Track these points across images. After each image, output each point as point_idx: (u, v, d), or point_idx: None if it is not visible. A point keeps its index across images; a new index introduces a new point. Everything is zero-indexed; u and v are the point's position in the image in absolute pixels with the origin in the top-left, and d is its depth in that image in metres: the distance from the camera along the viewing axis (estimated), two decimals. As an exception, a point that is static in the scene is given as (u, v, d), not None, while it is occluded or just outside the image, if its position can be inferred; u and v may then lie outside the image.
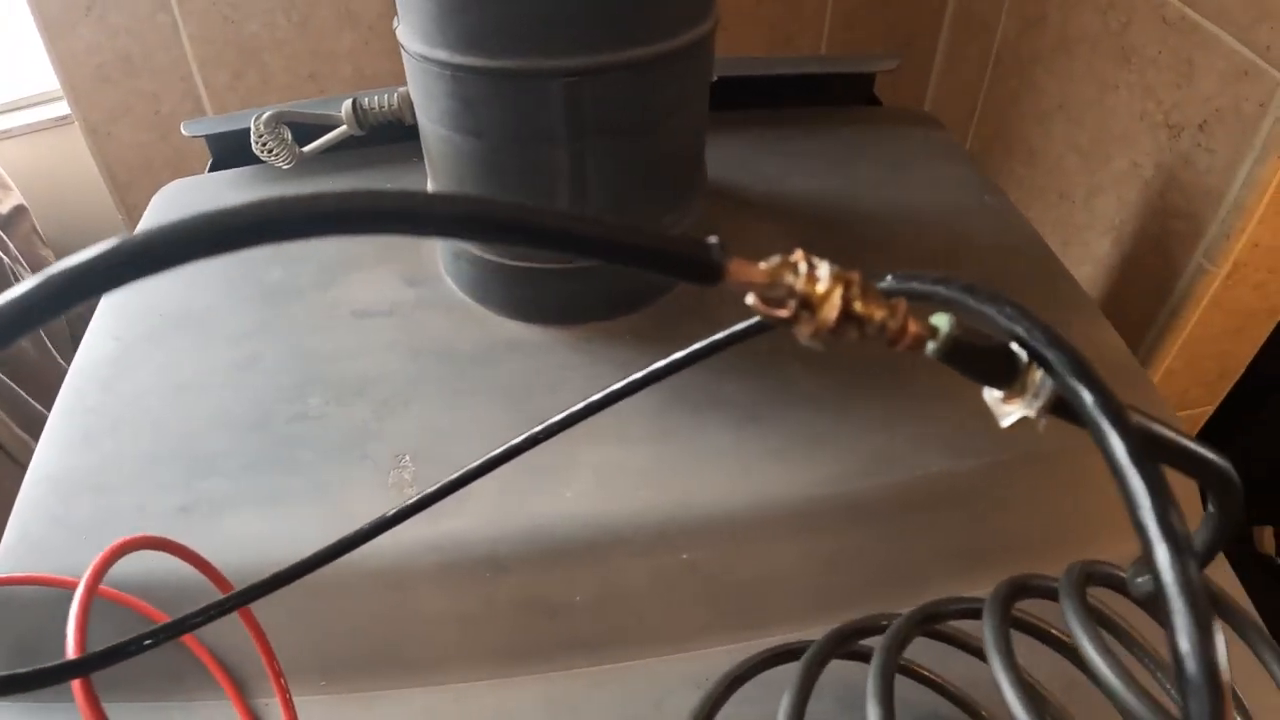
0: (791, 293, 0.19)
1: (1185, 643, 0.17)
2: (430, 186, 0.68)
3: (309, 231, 0.17)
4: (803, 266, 0.19)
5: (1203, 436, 1.00)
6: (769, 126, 0.89)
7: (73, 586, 0.44)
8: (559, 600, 0.55)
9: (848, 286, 0.19)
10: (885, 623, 0.43)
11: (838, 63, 0.99)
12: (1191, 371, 0.93)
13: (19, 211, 1.16)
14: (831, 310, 0.19)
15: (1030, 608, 0.40)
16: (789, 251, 0.19)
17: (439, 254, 0.72)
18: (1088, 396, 0.20)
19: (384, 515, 0.37)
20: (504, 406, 0.61)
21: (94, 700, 0.41)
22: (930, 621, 0.42)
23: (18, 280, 1.12)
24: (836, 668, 0.43)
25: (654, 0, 0.53)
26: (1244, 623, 0.38)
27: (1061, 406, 0.22)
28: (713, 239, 0.18)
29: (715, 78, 0.65)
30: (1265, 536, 1.01)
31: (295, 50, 1.07)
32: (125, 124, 1.10)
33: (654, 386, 0.62)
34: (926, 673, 0.48)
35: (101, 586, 0.52)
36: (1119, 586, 0.37)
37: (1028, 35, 1.07)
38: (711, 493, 0.56)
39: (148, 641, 0.39)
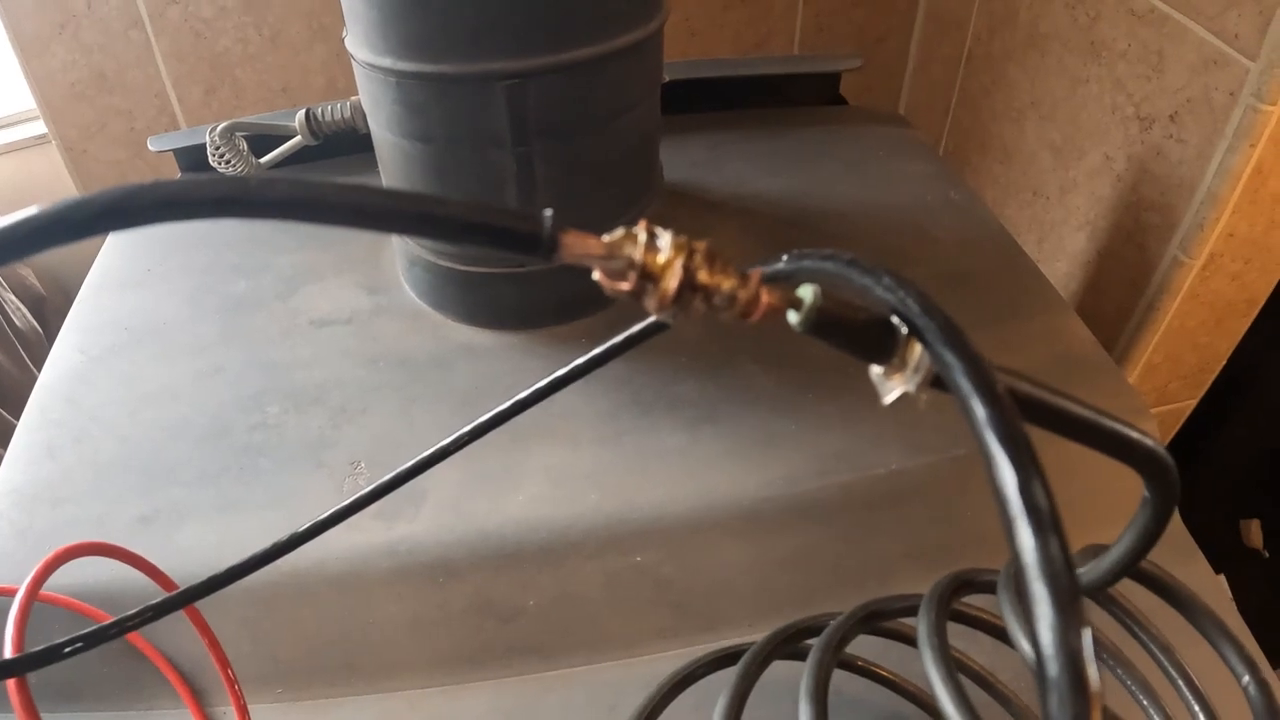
0: (631, 264, 0.18)
1: (1046, 634, 0.15)
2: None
3: (150, 218, 0.16)
4: (642, 236, 0.18)
5: (1186, 431, 0.99)
6: (733, 128, 0.89)
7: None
8: (512, 605, 0.54)
9: (690, 255, 0.18)
10: (829, 622, 0.42)
11: (801, 63, 0.99)
12: (1172, 365, 0.92)
13: (-3, 232, 1.15)
14: (673, 280, 0.18)
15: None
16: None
17: (397, 262, 0.72)
18: (955, 363, 0.19)
19: (317, 518, 0.37)
20: (457, 412, 0.61)
21: (28, 701, 0.41)
22: (874, 620, 0.41)
23: (0, 301, 1.12)
24: (786, 668, 0.43)
25: (594, 2, 0.53)
26: (1198, 613, 0.37)
27: (941, 381, 0.21)
28: (548, 210, 0.18)
29: (669, 79, 0.65)
30: (1253, 530, 1.00)
31: (267, 64, 1.07)
32: (101, 141, 1.10)
33: (607, 388, 0.61)
34: (885, 672, 0.47)
35: (58, 595, 0.52)
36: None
37: (998, 33, 1.07)
38: (662, 495, 0.55)
39: (80, 643, 0.38)
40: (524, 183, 0.58)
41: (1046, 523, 0.15)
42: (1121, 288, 0.90)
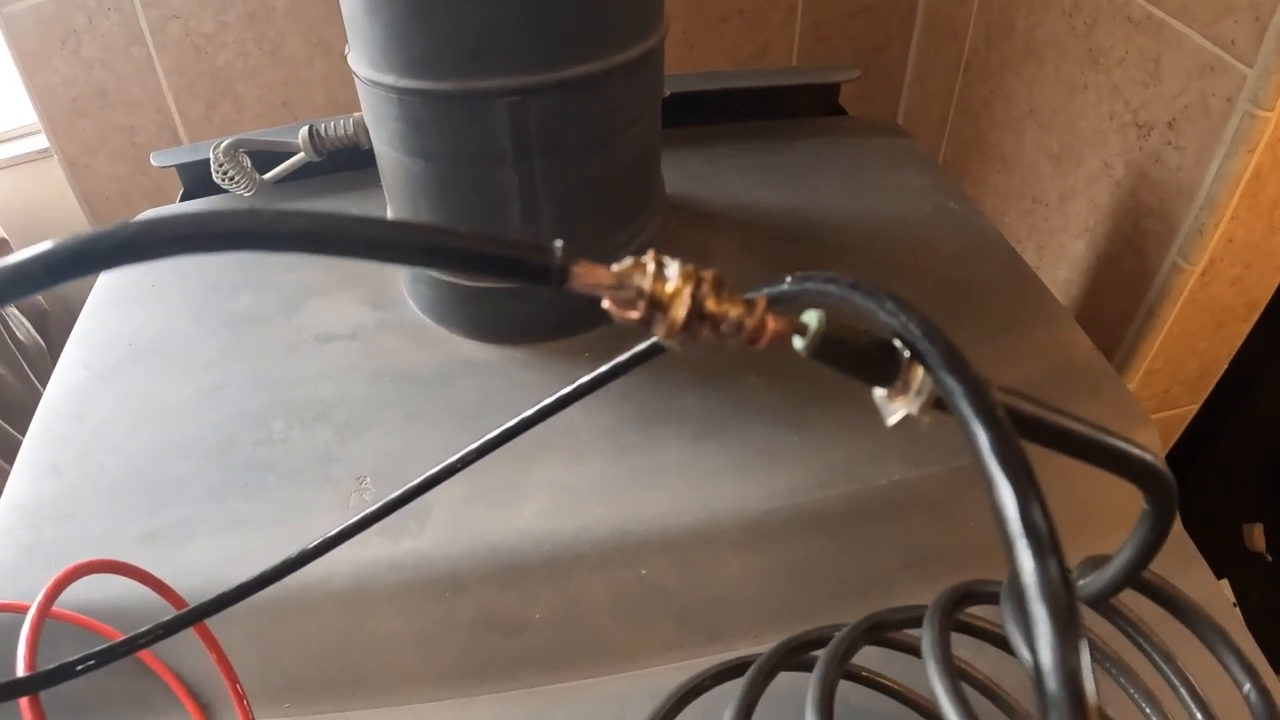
0: (640, 293, 0.18)
1: (1046, 655, 0.15)
2: (388, 209, 0.68)
3: (165, 253, 0.17)
4: (651, 266, 0.19)
5: (1188, 436, 0.99)
6: (732, 140, 0.90)
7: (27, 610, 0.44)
8: (518, 618, 0.54)
9: (699, 285, 0.19)
10: (834, 634, 0.42)
11: (800, 74, 0.99)
12: (1172, 371, 0.92)
13: (0, 246, 1.16)
14: (681, 309, 0.18)
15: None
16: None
17: (401, 277, 0.72)
18: (957, 388, 0.19)
19: (325, 535, 0.37)
20: (461, 427, 0.61)
21: (40, 717, 0.41)
22: (878, 631, 0.41)
23: (3, 315, 1.12)
24: (792, 680, 0.43)
25: (595, 18, 0.54)
26: (1200, 622, 0.37)
27: (943, 403, 0.21)
28: (558, 241, 0.18)
29: (669, 93, 0.65)
30: (1255, 533, 1.00)
31: (268, 79, 1.08)
32: (102, 156, 1.10)
33: (610, 402, 0.62)
34: (891, 683, 0.47)
35: (69, 612, 0.52)
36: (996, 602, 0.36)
37: (996, 42, 1.07)
38: (666, 508, 0.55)
39: (92, 661, 0.39)
40: (526, 199, 0.58)
41: (1046, 545, 0.16)
42: (1121, 294, 0.91)
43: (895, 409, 0.22)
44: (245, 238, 0.17)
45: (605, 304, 0.19)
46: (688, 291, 0.18)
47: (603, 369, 0.28)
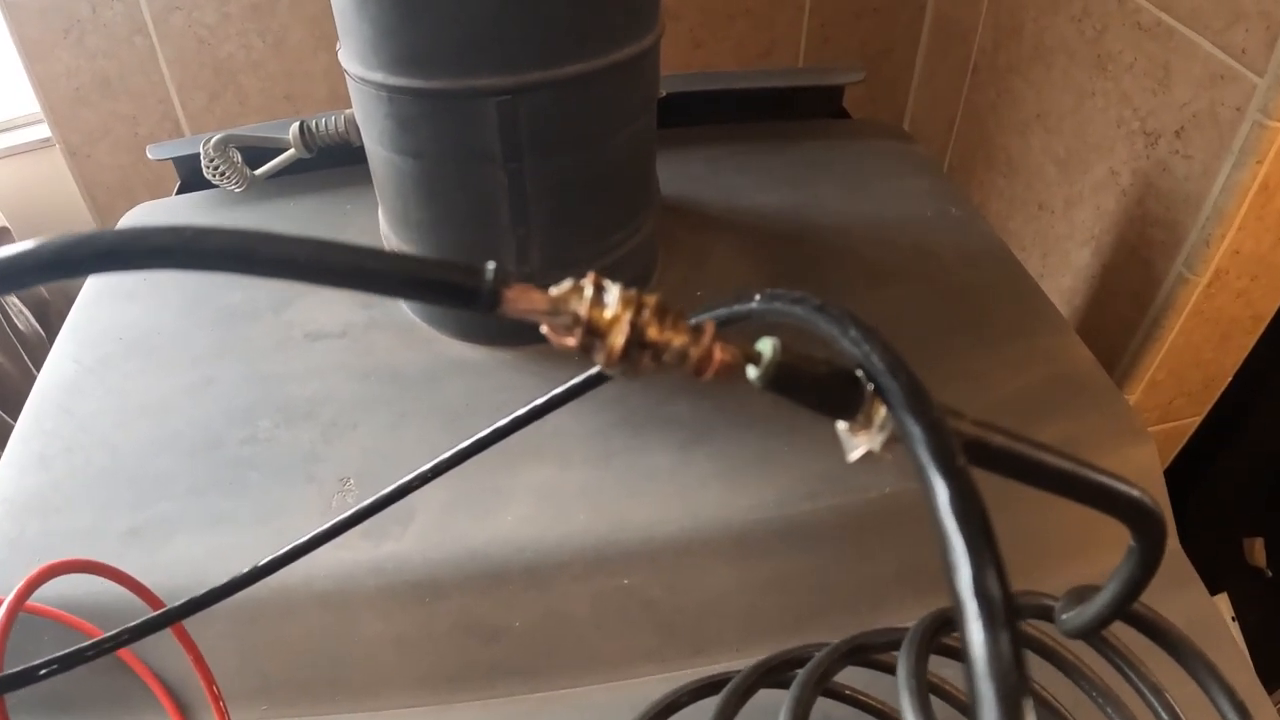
0: (578, 319, 0.18)
1: None
2: (379, 207, 0.67)
3: (88, 269, 0.16)
4: (589, 291, 0.18)
5: (1190, 448, 0.98)
6: (733, 141, 0.89)
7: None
8: (498, 625, 0.54)
9: (639, 311, 0.18)
10: (814, 654, 0.41)
11: (803, 76, 0.98)
12: (1176, 382, 0.91)
13: (1, 233, 1.16)
14: (619, 336, 0.17)
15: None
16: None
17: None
18: (916, 432, 0.18)
19: (305, 538, 0.36)
20: (448, 428, 0.60)
21: None
22: (858, 654, 0.40)
23: (3, 304, 1.12)
24: (774, 698, 0.42)
25: (587, 18, 0.53)
26: (1189, 656, 0.36)
27: None
28: (490, 264, 0.17)
29: (665, 93, 0.64)
30: (1256, 548, 0.99)
31: (270, 71, 1.07)
32: (104, 146, 1.10)
33: (598, 407, 0.61)
34: (872, 701, 0.46)
35: (45, 607, 0.52)
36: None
37: (1004, 46, 1.06)
38: (652, 516, 0.55)
39: (55, 665, 0.38)
40: (516, 199, 0.57)
41: (998, 617, 0.15)
42: (1126, 303, 0.89)
43: (857, 444, 0.21)
44: (165, 254, 0.16)
45: (543, 329, 0.18)
46: (627, 318, 0.17)
47: (542, 400, 0.27)
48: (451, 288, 0.17)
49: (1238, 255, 0.79)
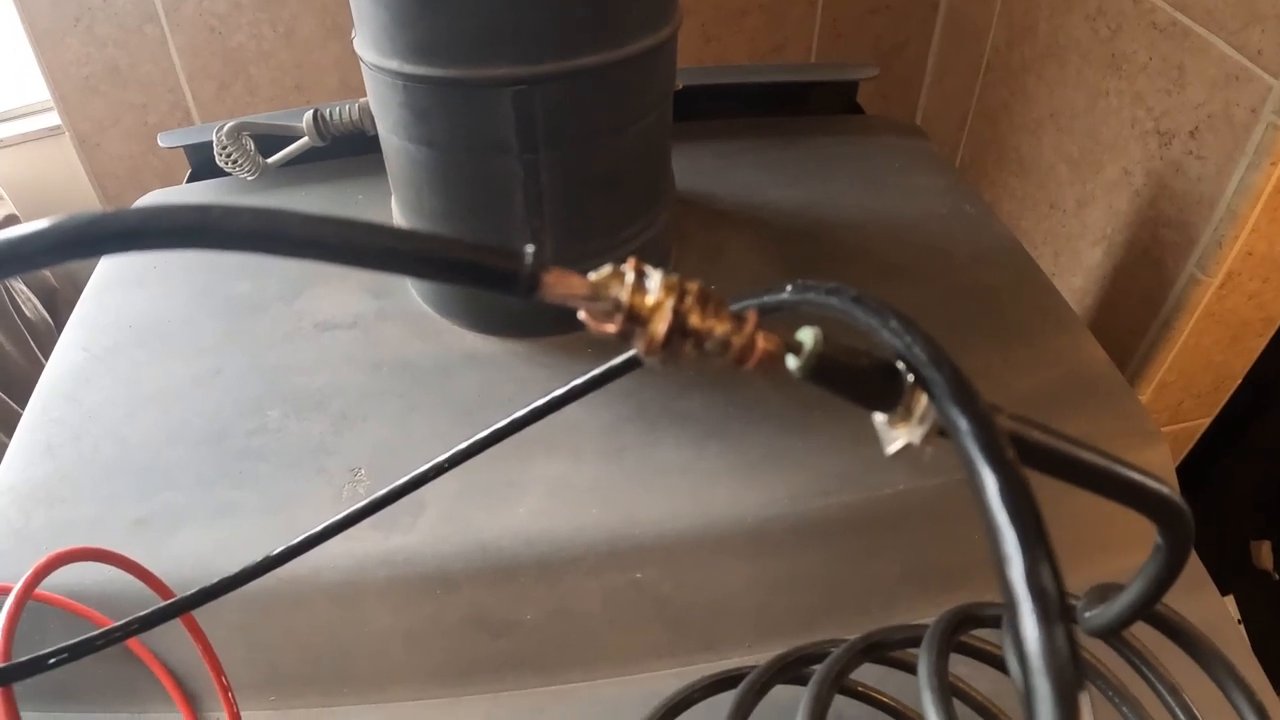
0: (618, 305, 0.17)
1: None
2: (393, 197, 0.67)
3: (109, 249, 0.16)
4: (630, 276, 0.17)
5: (1198, 450, 0.97)
6: (747, 136, 0.88)
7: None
8: (508, 619, 0.53)
9: (682, 297, 0.17)
10: (830, 650, 0.41)
11: (817, 71, 0.98)
12: (1186, 384, 0.90)
13: (10, 221, 1.16)
14: (661, 324, 0.17)
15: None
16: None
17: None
18: (963, 424, 0.18)
19: (314, 529, 0.36)
20: (459, 421, 0.60)
21: (13, 711, 0.40)
22: (875, 650, 0.40)
23: (11, 292, 1.12)
24: (786, 694, 0.42)
25: (604, 8, 0.52)
26: (1209, 656, 0.36)
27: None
28: (529, 247, 0.17)
29: (681, 86, 0.64)
30: (1263, 551, 0.99)
31: (281, 61, 1.07)
32: (114, 134, 1.10)
33: (611, 401, 0.61)
34: (887, 699, 0.46)
35: (55, 596, 0.52)
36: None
37: (1018, 44, 1.05)
38: (664, 511, 0.54)
39: (65, 654, 0.38)
40: (531, 190, 0.57)
41: (1054, 612, 0.14)
42: (1137, 304, 0.89)
43: (896, 437, 0.21)
44: (191, 234, 0.16)
45: (581, 315, 0.18)
46: (669, 305, 0.17)
47: (578, 381, 0.27)
48: (489, 271, 0.16)
49: (1250, 257, 0.79)
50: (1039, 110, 1.02)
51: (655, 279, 0.17)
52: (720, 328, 0.18)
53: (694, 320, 0.17)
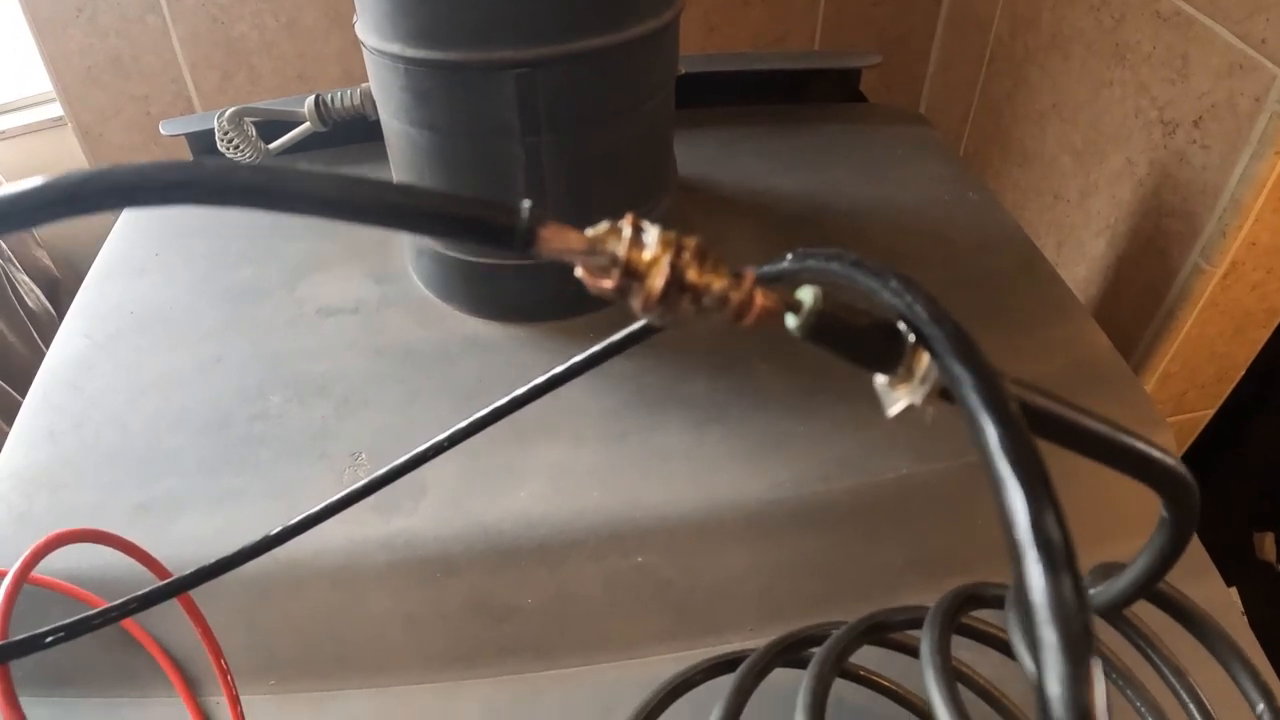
0: (615, 260, 0.17)
1: (1055, 686, 0.13)
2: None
3: (103, 204, 0.16)
4: (627, 231, 0.17)
5: (1201, 441, 0.97)
6: (750, 123, 0.88)
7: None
8: (509, 603, 0.53)
9: (679, 252, 0.17)
10: (831, 632, 0.41)
11: (820, 59, 0.98)
12: (1189, 374, 0.90)
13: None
14: (659, 278, 0.17)
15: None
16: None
17: (405, 251, 0.71)
18: (965, 376, 0.18)
19: (312, 509, 0.36)
20: (461, 406, 0.60)
21: (9, 690, 0.40)
22: (877, 631, 0.40)
23: (13, 282, 1.12)
24: (787, 677, 0.41)
25: (606, -9, 0.52)
26: (1214, 637, 0.35)
27: (949, 393, 0.19)
28: (525, 201, 0.17)
29: (683, 71, 0.64)
30: (1266, 543, 0.98)
31: (284, 51, 1.07)
32: (116, 125, 1.10)
33: (614, 384, 0.60)
34: (888, 683, 0.46)
35: (53, 579, 0.52)
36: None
37: (1021, 34, 1.05)
38: (666, 495, 0.54)
39: (62, 633, 0.38)
40: (532, 174, 0.57)
41: (1060, 559, 0.14)
42: (1141, 294, 0.89)
43: (897, 398, 0.21)
44: (187, 189, 0.16)
45: (578, 271, 0.18)
46: (666, 260, 0.17)
47: (595, 349, 0.27)
48: (485, 225, 0.16)
49: (1254, 247, 0.79)
50: (1042, 101, 1.02)
51: (653, 234, 0.17)
52: (718, 283, 0.18)
53: (691, 275, 0.17)
